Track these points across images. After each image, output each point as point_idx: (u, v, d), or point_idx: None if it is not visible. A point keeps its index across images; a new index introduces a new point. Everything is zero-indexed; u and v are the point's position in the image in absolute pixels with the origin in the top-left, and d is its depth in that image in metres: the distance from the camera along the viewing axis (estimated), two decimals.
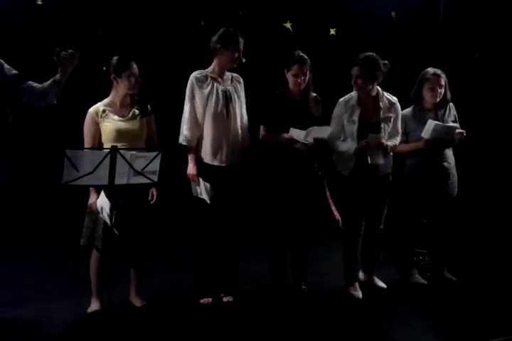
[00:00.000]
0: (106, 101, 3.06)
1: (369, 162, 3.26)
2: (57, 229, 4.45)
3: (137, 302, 3.15)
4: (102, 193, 2.72)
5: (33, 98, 2.83)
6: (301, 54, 3.30)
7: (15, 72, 2.82)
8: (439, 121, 3.46)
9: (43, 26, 4.47)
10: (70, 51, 2.63)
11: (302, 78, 3.28)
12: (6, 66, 2.82)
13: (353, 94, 3.43)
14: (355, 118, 3.34)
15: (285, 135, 3.25)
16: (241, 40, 3.18)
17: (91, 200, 2.95)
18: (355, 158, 3.32)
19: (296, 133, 3.22)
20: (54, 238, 4.40)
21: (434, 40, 5.10)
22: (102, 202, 2.70)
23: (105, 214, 2.66)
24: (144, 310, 3.10)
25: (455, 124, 3.49)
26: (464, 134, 3.47)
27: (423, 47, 5.10)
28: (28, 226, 4.45)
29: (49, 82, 2.78)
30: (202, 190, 3.17)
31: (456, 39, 5.07)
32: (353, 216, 3.45)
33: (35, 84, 2.82)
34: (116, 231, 2.63)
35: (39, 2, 4.46)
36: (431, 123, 3.37)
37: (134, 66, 3.03)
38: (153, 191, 3.11)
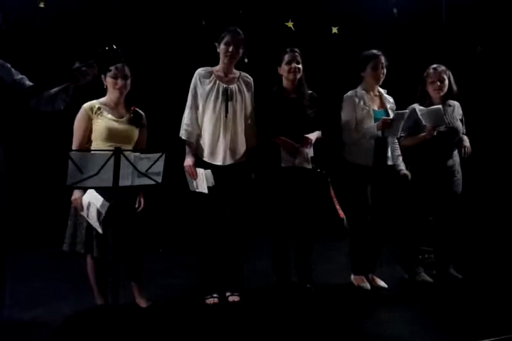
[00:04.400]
0: (102, 99, 3.05)
1: (384, 134, 3.36)
2: (60, 231, 4.46)
3: (142, 303, 3.15)
4: (91, 189, 2.67)
5: (41, 103, 2.77)
6: (291, 47, 3.37)
7: (21, 76, 2.78)
8: (445, 116, 3.49)
9: (43, 29, 4.48)
10: (91, 69, 2.60)
11: (296, 65, 3.30)
12: (14, 70, 2.79)
13: (358, 89, 3.49)
14: (368, 103, 3.43)
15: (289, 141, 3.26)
16: (231, 35, 3.15)
17: (74, 196, 2.87)
18: (373, 144, 3.38)
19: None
20: (58, 240, 4.41)
21: (436, 36, 5.10)
22: (90, 197, 2.64)
23: (93, 210, 2.62)
24: (150, 311, 3.09)
25: (437, 106, 3.45)
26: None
27: (425, 42, 5.09)
28: (31, 228, 4.45)
29: (58, 88, 2.72)
30: (199, 181, 3.16)
31: (457, 34, 5.06)
32: (367, 206, 3.47)
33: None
34: (100, 230, 2.59)
35: (41, 5, 4.48)
36: (417, 110, 3.46)
37: (121, 68, 2.97)
38: (141, 198, 3.05)
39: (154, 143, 3.18)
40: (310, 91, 3.44)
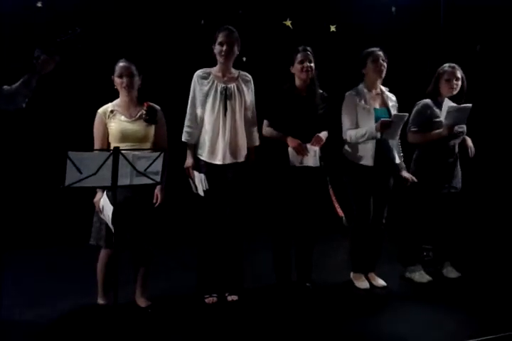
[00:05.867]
0: (116, 101, 3.08)
1: (382, 136, 3.33)
2: (61, 230, 4.46)
3: (142, 303, 3.15)
4: (106, 192, 2.73)
5: (1, 100, 2.63)
6: (304, 46, 3.38)
7: None
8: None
9: (41, 28, 4.47)
10: (53, 57, 2.53)
11: (308, 64, 3.30)
12: None
13: (359, 87, 3.49)
14: (370, 102, 3.42)
15: (294, 140, 3.27)
16: (225, 33, 3.15)
17: (96, 198, 2.96)
18: (374, 144, 3.37)
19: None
20: (58, 240, 4.42)
21: (435, 34, 5.10)
22: (103, 201, 2.72)
23: (105, 213, 2.67)
24: (149, 310, 3.11)
25: (468, 105, 3.43)
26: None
27: (424, 41, 5.09)
28: (31, 228, 4.45)
29: (18, 83, 2.62)
30: (197, 184, 3.18)
31: (457, 33, 5.06)
32: (369, 205, 3.46)
33: (5, 87, 2.64)
34: (112, 229, 2.63)
35: (39, 5, 4.47)
36: (446, 104, 3.39)
37: (126, 67, 3.00)
38: (158, 193, 3.07)
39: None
40: (321, 91, 3.44)
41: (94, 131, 3.05)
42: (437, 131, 3.46)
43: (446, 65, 3.58)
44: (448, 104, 3.40)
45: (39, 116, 4.36)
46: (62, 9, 4.48)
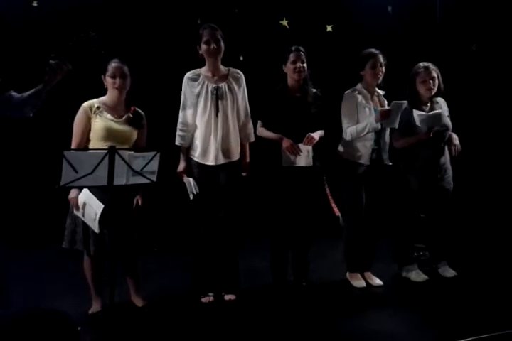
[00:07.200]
0: (102, 99, 3.04)
1: (382, 126, 3.36)
2: (56, 230, 4.45)
3: (138, 302, 3.15)
4: (86, 189, 2.67)
5: (7, 108, 2.55)
6: (296, 46, 3.37)
7: None
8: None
9: (37, 27, 4.46)
10: (66, 62, 2.44)
11: (301, 65, 3.30)
12: None
13: (358, 87, 3.49)
14: (369, 101, 3.44)
15: (288, 140, 3.26)
16: (209, 31, 3.15)
17: (71, 195, 2.85)
18: (372, 142, 3.39)
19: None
20: (53, 239, 4.40)
21: (431, 34, 5.10)
22: (85, 198, 2.66)
23: (88, 210, 2.61)
24: (146, 309, 3.10)
25: (438, 111, 3.46)
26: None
27: (420, 40, 5.09)
28: (27, 228, 4.45)
29: (30, 92, 2.54)
30: (187, 188, 3.18)
31: (453, 32, 5.06)
32: (362, 204, 3.47)
33: (14, 93, 2.57)
34: (96, 230, 2.60)
35: (34, 4, 4.46)
36: (415, 114, 3.43)
37: (120, 67, 2.98)
38: (138, 199, 3.02)
39: (152, 142, 3.17)
40: (315, 90, 3.44)
41: (76, 125, 2.97)
42: (416, 135, 3.47)
43: (421, 64, 3.55)
44: (416, 113, 3.43)
45: (35, 115, 4.34)
46: (56, 9, 4.48)
